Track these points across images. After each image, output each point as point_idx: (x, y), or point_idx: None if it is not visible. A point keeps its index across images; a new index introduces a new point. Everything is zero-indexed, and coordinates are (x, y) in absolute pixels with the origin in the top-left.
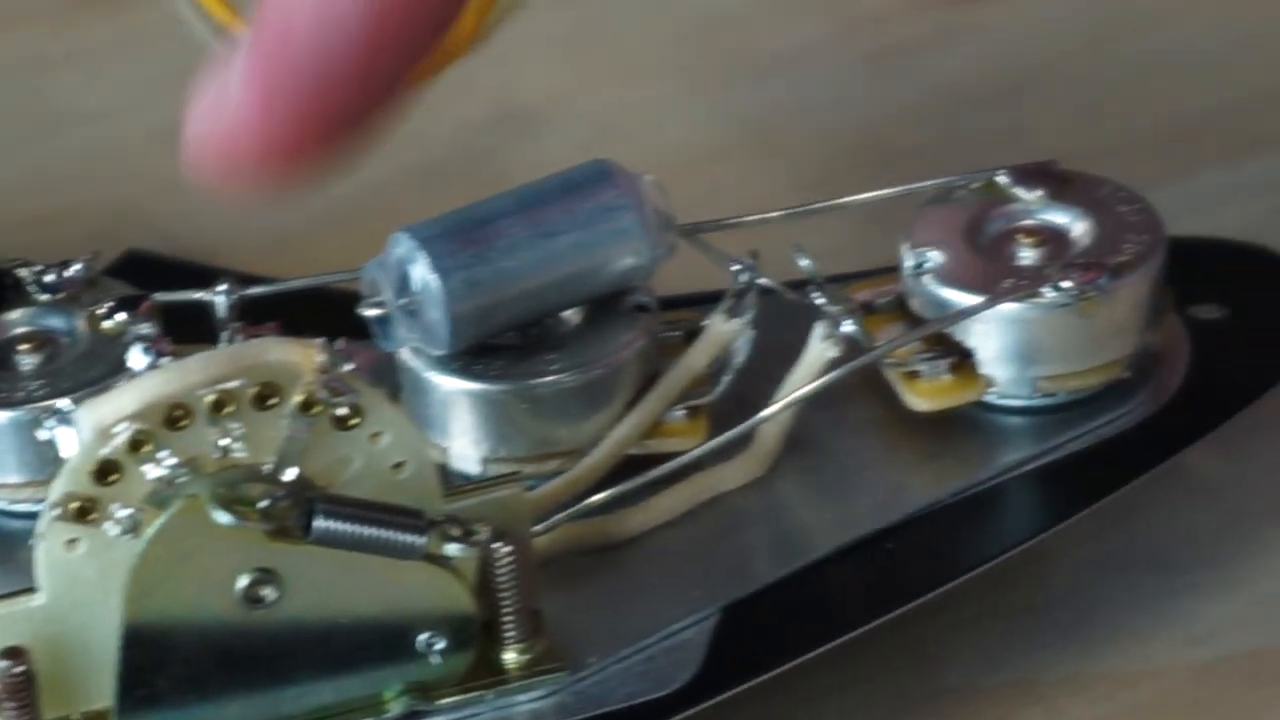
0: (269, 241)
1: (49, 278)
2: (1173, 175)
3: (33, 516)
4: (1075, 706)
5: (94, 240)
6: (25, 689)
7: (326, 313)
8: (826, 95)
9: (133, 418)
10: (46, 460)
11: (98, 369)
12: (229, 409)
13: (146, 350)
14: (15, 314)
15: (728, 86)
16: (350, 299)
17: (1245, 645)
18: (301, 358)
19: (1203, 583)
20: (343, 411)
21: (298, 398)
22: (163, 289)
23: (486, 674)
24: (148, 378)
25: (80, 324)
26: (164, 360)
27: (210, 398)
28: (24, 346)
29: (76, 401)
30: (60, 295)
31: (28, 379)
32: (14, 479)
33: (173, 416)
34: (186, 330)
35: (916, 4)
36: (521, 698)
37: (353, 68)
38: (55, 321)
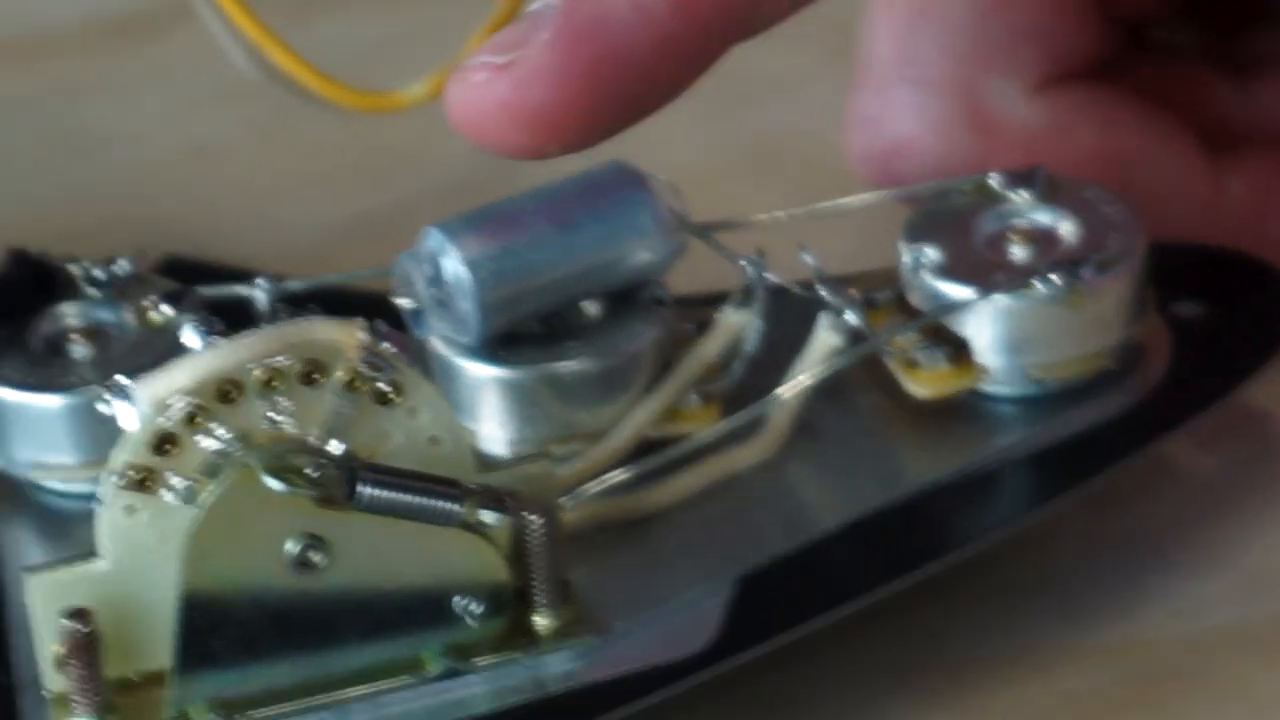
0: (300, 254)
1: (98, 273)
2: None
3: (86, 498)
4: (1070, 676)
5: (132, 251)
6: (89, 649)
7: (358, 311)
8: (820, 118)
9: (188, 392)
10: (100, 442)
11: (147, 358)
12: (277, 385)
13: (198, 330)
14: (67, 307)
15: (727, 111)
16: (377, 300)
17: (1225, 618)
18: (344, 336)
19: (1184, 563)
20: (383, 388)
21: (341, 374)
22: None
23: (520, 638)
24: (201, 355)
25: (129, 316)
26: (215, 339)
27: (259, 374)
28: (76, 337)
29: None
30: (109, 290)
31: (81, 367)
32: (68, 460)
33: (224, 391)
34: (228, 325)
35: None
36: (552, 659)
37: (653, 51)
38: (105, 314)
